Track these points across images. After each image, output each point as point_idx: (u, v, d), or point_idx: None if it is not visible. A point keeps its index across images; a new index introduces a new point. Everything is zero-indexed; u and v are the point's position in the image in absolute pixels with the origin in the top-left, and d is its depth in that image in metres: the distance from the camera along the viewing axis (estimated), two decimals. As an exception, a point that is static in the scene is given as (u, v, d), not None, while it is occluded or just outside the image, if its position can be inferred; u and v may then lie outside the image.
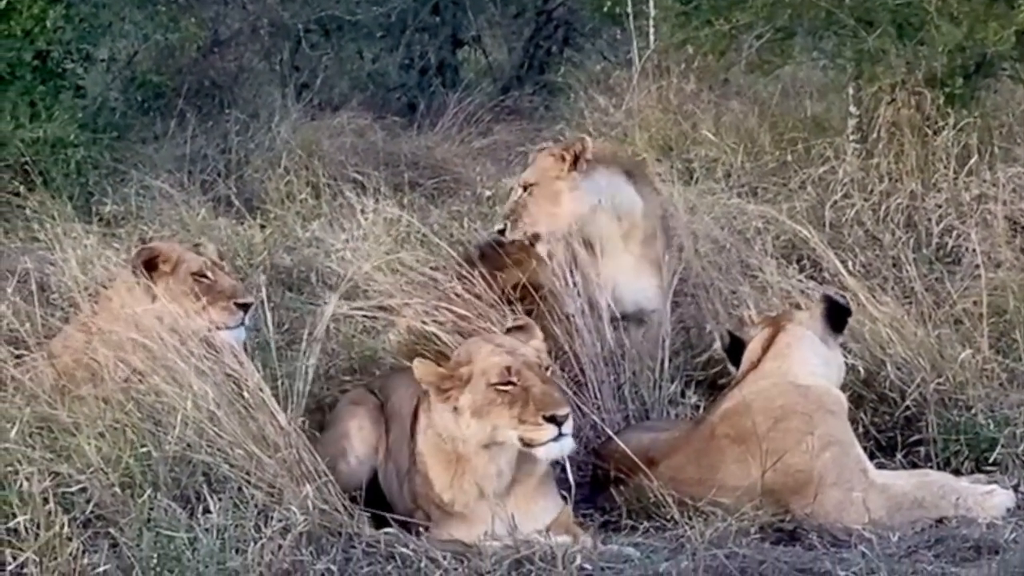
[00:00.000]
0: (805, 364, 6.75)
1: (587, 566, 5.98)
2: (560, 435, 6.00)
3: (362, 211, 9.39)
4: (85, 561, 5.69)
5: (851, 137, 10.73)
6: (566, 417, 6.01)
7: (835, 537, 6.30)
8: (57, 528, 5.67)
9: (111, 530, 5.91)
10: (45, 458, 6.10)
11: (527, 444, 6.03)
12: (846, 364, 7.05)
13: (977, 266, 8.11)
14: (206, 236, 8.62)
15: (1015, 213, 9.29)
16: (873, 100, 10.60)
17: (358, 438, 6.76)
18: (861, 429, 7.08)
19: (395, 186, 10.97)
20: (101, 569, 5.69)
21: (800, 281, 8.22)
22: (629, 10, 13.03)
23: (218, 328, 6.99)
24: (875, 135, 10.40)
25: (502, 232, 7.69)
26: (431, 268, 7.98)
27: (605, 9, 13.56)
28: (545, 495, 6.30)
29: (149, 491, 5.99)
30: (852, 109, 10.87)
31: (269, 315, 7.06)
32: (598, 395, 7.35)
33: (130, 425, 6.32)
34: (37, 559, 5.63)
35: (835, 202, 9.72)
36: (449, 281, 7.65)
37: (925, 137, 10.13)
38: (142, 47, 13.33)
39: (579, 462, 6.79)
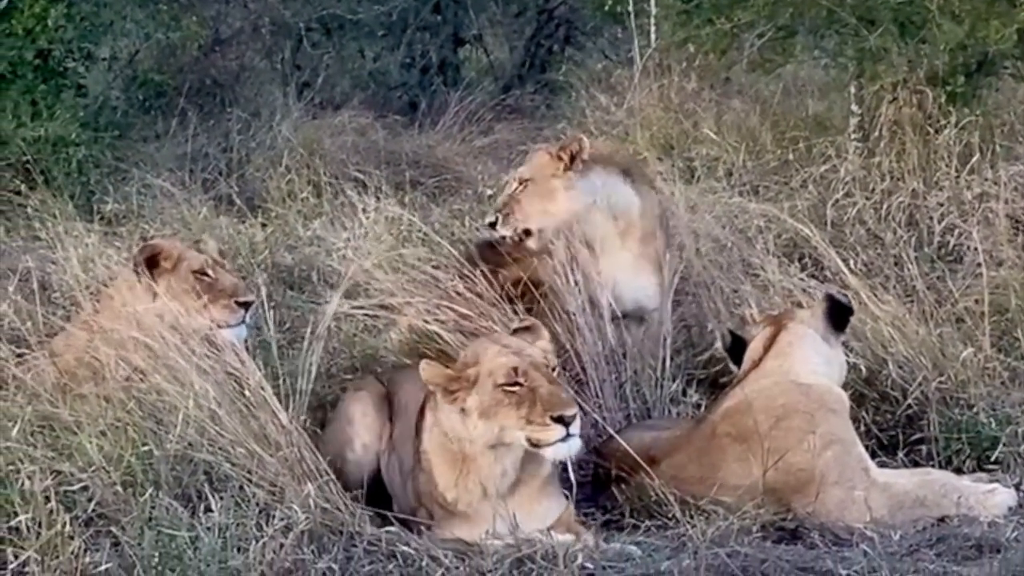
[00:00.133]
0: (807, 363, 6.75)
1: (589, 565, 5.98)
2: (568, 435, 5.99)
3: (363, 210, 9.39)
4: (87, 560, 5.68)
5: (853, 136, 10.74)
6: (574, 417, 6.00)
7: (837, 536, 6.30)
8: (59, 527, 5.66)
9: (113, 529, 5.91)
10: (47, 456, 6.10)
11: (535, 445, 6.03)
12: (848, 363, 7.05)
13: (979, 264, 8.11)
14: (207, 233, 8.60)
15: (1017, 211, 9.29)
16: (875, 99, 10.60)
17: (362, 424, 6.77)
18: (863, 428, 7.08)
19: (396, 185, 10.97)
20: (103, 568, 5.69)
21: (802, 280, 8.22)
22: (630, 8, 13.02)
23: (219, 326, 6.99)
24: (877, 134, 10.40)
25: (492, 225, 7.69)
26: (432, 267, 7.98)
27: (606, 8, 13.54)
28: (549, 495, 6.30)
29: (151, 490, 5.99)
30: (854, 108, 10.87)
31: (270, 314, 7.06)
32: (599, 394, 7.35)
33: (131, 424, 6.33)
34: (39, 558, 5.63)
35: (837, 201, 9.72)
36: (451, 280, 7.65)
37: (927, 136, 10.13)
38: (143, 46, 13.34)
39: (580, 461, 6.77)
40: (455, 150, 12.85)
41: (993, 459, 6.97)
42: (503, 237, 7.69)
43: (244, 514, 5.91)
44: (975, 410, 7.16)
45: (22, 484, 5.82)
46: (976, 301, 7.89)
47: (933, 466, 6.95)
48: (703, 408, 7.25)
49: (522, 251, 7.73)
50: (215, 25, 14.35)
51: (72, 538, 5.69)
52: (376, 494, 6.61)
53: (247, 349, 6.85)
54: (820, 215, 9.57)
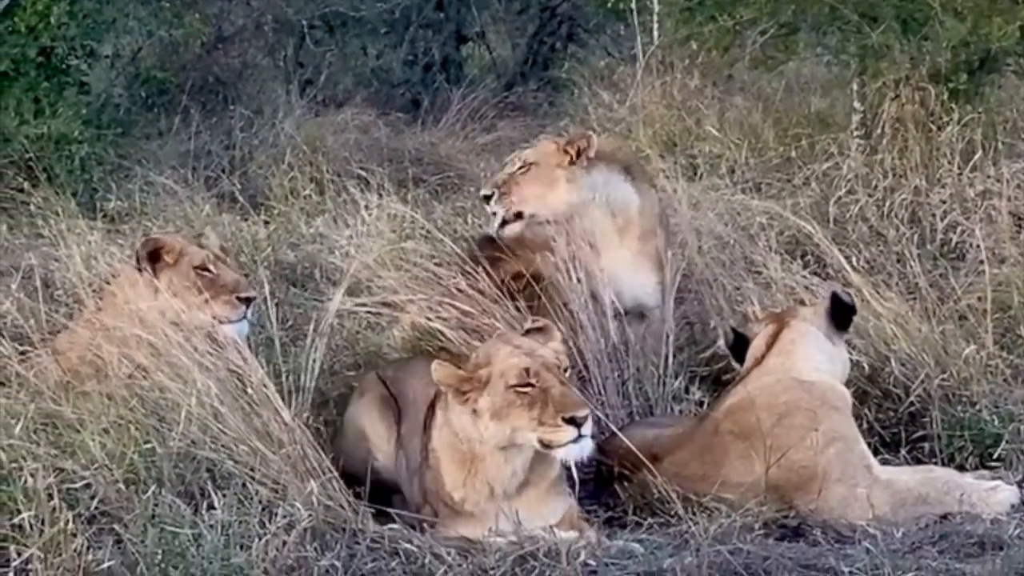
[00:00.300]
0: (809, 360, 6.75)
1: (591, 562, 5.98)
2: (580, 437, 5.99)
3: (366, 207, 9.38)
4: (89, 557, 5.68)
5: (855, 133, 10.73)
6: (585, 419, 5.99)
7: (839, 533, 6.30)
8: (61, 524, 5.66)
9: (115, 526, 5.91)
10: (49, 454, 6.10)
11: (546, 446, 6.03)
12: (850, 360, 7.04)
13: (981, 262, 8.10)
14: (209, 227, 8.60)
15: (1019, 209, 9.29)
16: (877, 96, 10.60)
17: (374, 433, 6.77)
18: (865, 425, 7.08)
19: (399, 182, 10.96)
20: (105, 565, 5.69)
21: (804, 277, 8.21)
22: (633, 6, 13.01)
23: (221, 322, 6.99)
24: (879, 131, 10.40)
25: (487, 199, 7.69)
26: (435, 264, 7.98)
27: (609, 5, 13.54)
28: (557, 495, 6.30)
29: (153, 487, 5.99)
30: (856, 105, 10.87)
31: (273, 311, 7.07)
32: (602, 391, 7.35)
33: (134, 421, 6.33)
34: (41, 555, 5.63)
35: (839, 198, 9.72)
36: (453, 277, 7.65)
37: (929, 133, 10.13)
38: (146, 43, 13.34)
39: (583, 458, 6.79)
40: (458, 147, 12.85)
41: (996, 456, 6.97)
42: (493, 214, 7.68)
43: (247, 511, 5.91)
44: (978, 407, 7.16)
45: (25, 481, 5.82)
46: (979, 298, 7.88)
47: (936, 463, 6.95)
48: (706, 405, 7.25)
49: (529, 246, 7.73)
50: (218, 22, 14.35)
51: (75, 535, 5.68)
52: (377, 492, 6.60)
53: (250, 346, 6.85)
54: (822, 212, 9.57)
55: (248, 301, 7.10)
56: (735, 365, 7.01)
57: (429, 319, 7.51)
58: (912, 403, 7.23)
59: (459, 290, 7.53)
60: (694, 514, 6.23)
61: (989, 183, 9.54)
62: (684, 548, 6.10)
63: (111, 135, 11.14)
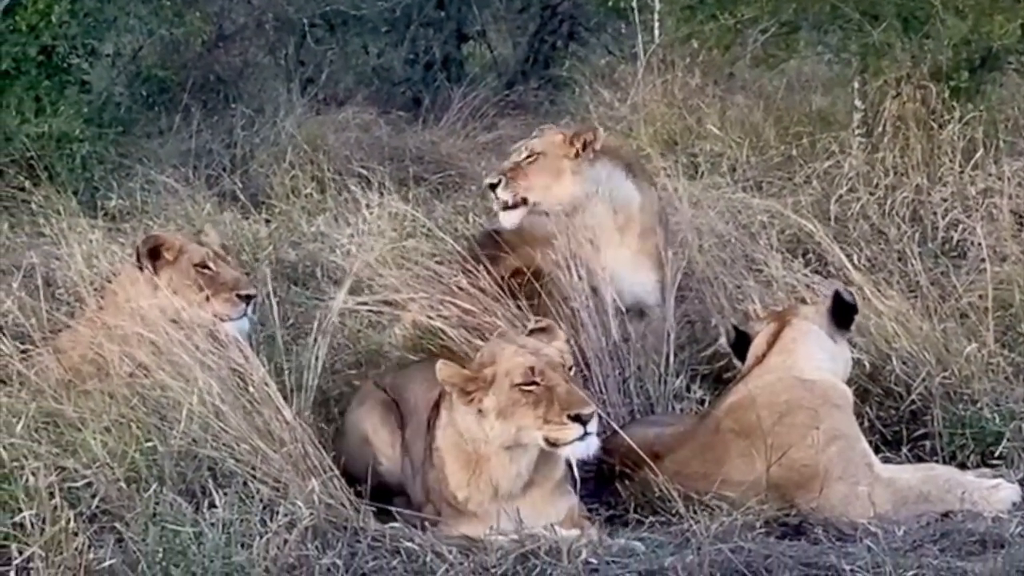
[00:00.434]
0: (811, 359, 6.75)
1: (592, 560, 5.98)
2: (585, 434, 6.00)
3: (367, 206, 9.39)
4: (91, 556, 5.68)
5: (856, 131, 10.73)
6: (591, 416, 6.00)
7: (840, 531, 6.30)
8: (63, 523, 5.66)
9: (117, 525, 5.91)
10: (51, 453, 6.11)
11: (552, 444, 6.03)
12: (852, 358, 7.04)
13: (983, 260, 8.09)
14: (209, 224, 8.60)
15: (1021, 207, 9.28)
16: (878, 94, 10.60)
17: (378, 438, 6.77)
18: (866, 423, 7.08)
19: (400, 181, 10.96)
20: (107, 564, 5.69)
21: (805, 276, 8.22)
22: (634, 4, 12.99)
23: (221, 319, 7.00)
24: (880, 129, 10.39)
25: (493, 187, 7.70)
26: (436, 262, 7.98)
27: (610, 3, 13.54)
28: (561, 495, 6.31)
29: (155, 486, 5.99)
30: (857, 103, 10.86)
31: (276, 309, 7.07)
32: (603, 389, 7.35)
33: (135, 420, 6.33)
34: (43, 554, 5.63)
35: (840, 196, 9.72)
36: (454, 275, 7.66)
37: (931, 131, 10.13)
38: (147, 42, 13.34)
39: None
40: (458, 146, 12.85)
41: (997, 454, 6.97)
42: (497, 199, 7.68)
43: (248, 510, 5.91)
44: (979, 405, 7.15)
45: (26, 480, 5.83)
46: (980, 296, 7.88)
47: (937, 461, 6.95)
48: (707, 404, 7.25)
49: (528, 241, 7.75)
50: (219, 21, 14.34)
51: (76, 534, 5.68)
52: (378, 491, 6.60)
53: (251, 344, 6.85)
54: (824, 211, 9.57)
55: (248, 299, 7.10)
56: (737, 363, 7.01)
57: (430, 317, 7.52)
58: (913, 401, 7.23)
59: (460, 288, 7.54)
60: (695, 512, 6.23)
61: (990, 181, 9.53)
62: (685, 546, 6.10)
63: (112, 134, 11.14)
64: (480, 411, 6.12)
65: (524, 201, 7.67)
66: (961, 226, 9.25)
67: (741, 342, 6.96)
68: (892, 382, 7.32)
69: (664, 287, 7.77)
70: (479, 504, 6.23)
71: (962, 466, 6.92)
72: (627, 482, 6.66)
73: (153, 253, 7.10)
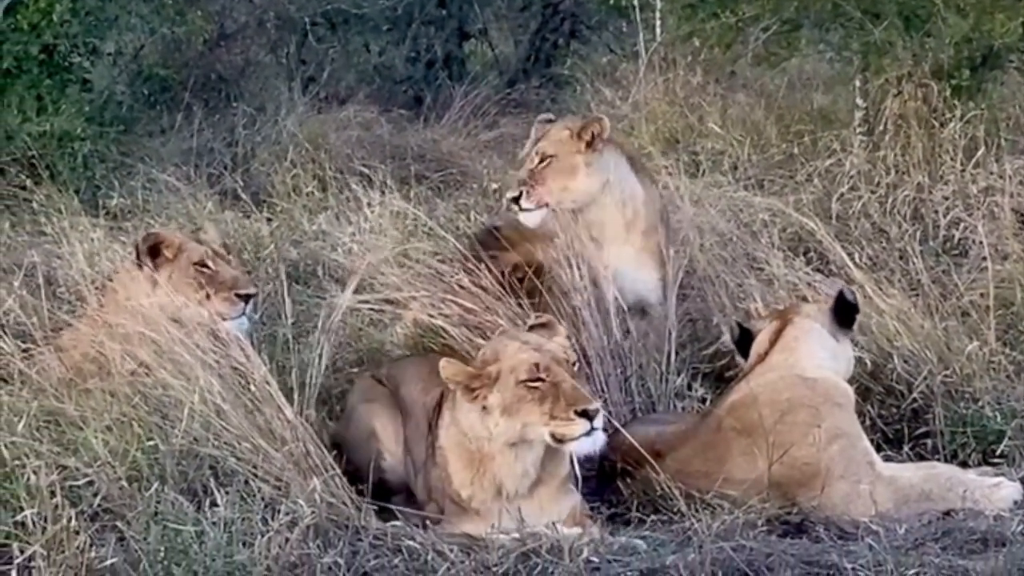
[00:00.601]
0: (812, 357, 6.75)
1: (594, 559, 5.98)
2: (592, 430, 6.01)
3: (368, 204, 9.40)
4: (92, 554, 5.69)
5: (858, 129, 10.73)
6: (597, 412, 6.01)
7: (842, 530, 6.30)
8: (64, 521, 5.67)
9: (118, 523, 5.91)
10: (52, 451, 6.11)
11: (559, 440, 6.04)
12: (853, 356, 7.04)
13: (984, 258, 8.09)
14: (208, 221, 8.60)
15: (1022, 205, 9.28)
16: (880, 92, 10.60)
17: (384, 434, 6.77)
18: (868, 421, 7.08)
19: (401, 179, 10.96)
20: (108, 562, 5.69)
21: (807, 274, 8.22)
22: (635, 2, 12.99)
23: (221, 318, 7.00)
24: (882, 127, 10.39)
25: (516, 200, 7.68)
26: (438, 261, 7.99)
27: (611, 1, 13.53)
28: (566, 493, 6.32)
29: (156, 484, 6.00)
30: (859, 101, 10.86)
31: (288, 306, 7.08)
32: (605, 388, 7.35)
33: (137, 419, 6.34)
34: (44, 552, 5.63)
35: (842, 194, 9.72)
36: (456, 274, 7.66)
37: (932, 129, 10.13)
38: (148, 41, 13.32)
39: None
40: (460, 144, 12.84)
41: (998, 453, 6.97)
42: (522, 210, 7.67)
43: (249, 509, 5.91)
44: (980, 404, 7.15)
45: (28, 479, 5.84)
46: (981, 295, 7.88)
47: (938, 460, 6.95)
48: (708, 402, 7.25)
49: (528, 238, 7.75)
50: (220, 20, 14.32)
51: (78, 533, 5.69)
52: (378, 490, 6.61)
53: (253, 344, 6.85)
54: (825, 209, 9.57)
55: (247, 298, 7.10)
56: (740, 361, 7.01)
57: (432, 316, 7.52)
58: (915, 399, 7.23)
59: (462, 287, 7.54)
60: (697, 511, 6.23)
61: (992, 179, 9.53)
62: (687, 545, 6.10)
63: (114, 132, 11.14)
64: (485, 408, 6.12)
65: (546, 205, 7.66)
66: (962, 224, 9.25)
67: (746, 339, 6.95)
68: (893, 380, 7.32)
69: (666, 285, 7.77)
70: (482, 502, 6.23)
71: (964, 464, 6.92)
72: (629, 480, 6.66)
73: (153, 251, 7.10)
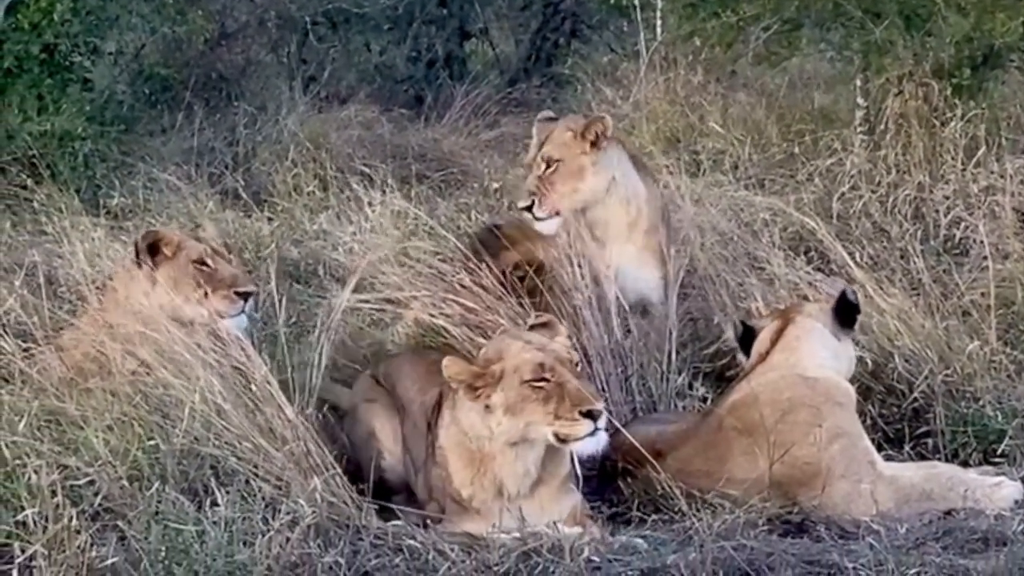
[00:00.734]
0: (814, 356, 6.75)
1: (595, 558, 5.98)
2: (596, 430, 6.01)
3: (369, 204, 9.40)
4: (93, 554, 5.69)
5: (858, 129, 10.73)
6: (601, 412, 6.02)
7: (843, 529, 6.30)
8: (65, 521, 5.66)
9: (119, 523, 5.91)
10: (53, 451, 6.11)
11: (562, 440, 6.04)
12: (855, 356, 7.04)
13: (985, 257, 8.09)
14: (207, 220, 8.59)
15: (1023, 204, 9.28)
16: (880, 92, 10.60)
17: (383, 433, 6.77)
18: (869, 421, 7.08)
19: (402, 179, 10.95)
20: (109, 562, 5.69)
21: (808, 273, 8.22)
22: (636, 2, 13.00)
23: (219, 316, 6.99)
24: (882, 127, 10.40)
25: (529, 209, 7.67)
26: (439, 260, 7.99)
27: (612, 1, 13.54)
28: (567, 493, 6.32)
29: (157, 484, 6.00)
30: (859, 101, 10.86)
31: (284, 304, 7.08)
32: (606, 387, 7.35)
33: (138, 418, 6.34)
34: (45, 552, 5.63)
35: (842, 194, 9.72)
36: (456, 273, 7.66)
37: (933, 128, 10.13)
38: (149, 40, 13.30)
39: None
40: (461, 144, 12.83)
41: (999, 452, 6.97)
42: (536, 218, 7.67)
43: (250, 508, 5.91)
44: (981, 403, 7.16)
45: (29, 478, 5.83)
46: (982, 294, 7.88)
47: (939, 459, 6.95)
48: (709, 401, 7.25)
49: (527, 236, 7.75)
50: (221, 19, 14.32)
51: (79, 532, 5.69)
52: (378, 488, 6.61)
53: (253, 343, 6.85)
54: (826, 208, 9.57)
55: (246, 296, 7.10)
56: (742, 359, 7.00)
57: (432, 315, 7.52)
58: (916, 399, 7.23)
59: (462, 286, 7.54)
60: (698, 510, 6.23)
61: (992, 179, 9.53)
62: (688, 544, 6.10)
63: (114, 132, 11.13)
64: (487, 407, 6.12)
65: (559, 212, 7.66)
66: (963, 224, 9.25)
67: (748, 337, 6.95)
68: (894, 380, 7.32)
69: (667, 284, 7.77)
70: (483, 502, 6.23)
71: (964, 464, 6.92)
72: (629, 480, 6.66)
73: (152, 249, 7.10)
